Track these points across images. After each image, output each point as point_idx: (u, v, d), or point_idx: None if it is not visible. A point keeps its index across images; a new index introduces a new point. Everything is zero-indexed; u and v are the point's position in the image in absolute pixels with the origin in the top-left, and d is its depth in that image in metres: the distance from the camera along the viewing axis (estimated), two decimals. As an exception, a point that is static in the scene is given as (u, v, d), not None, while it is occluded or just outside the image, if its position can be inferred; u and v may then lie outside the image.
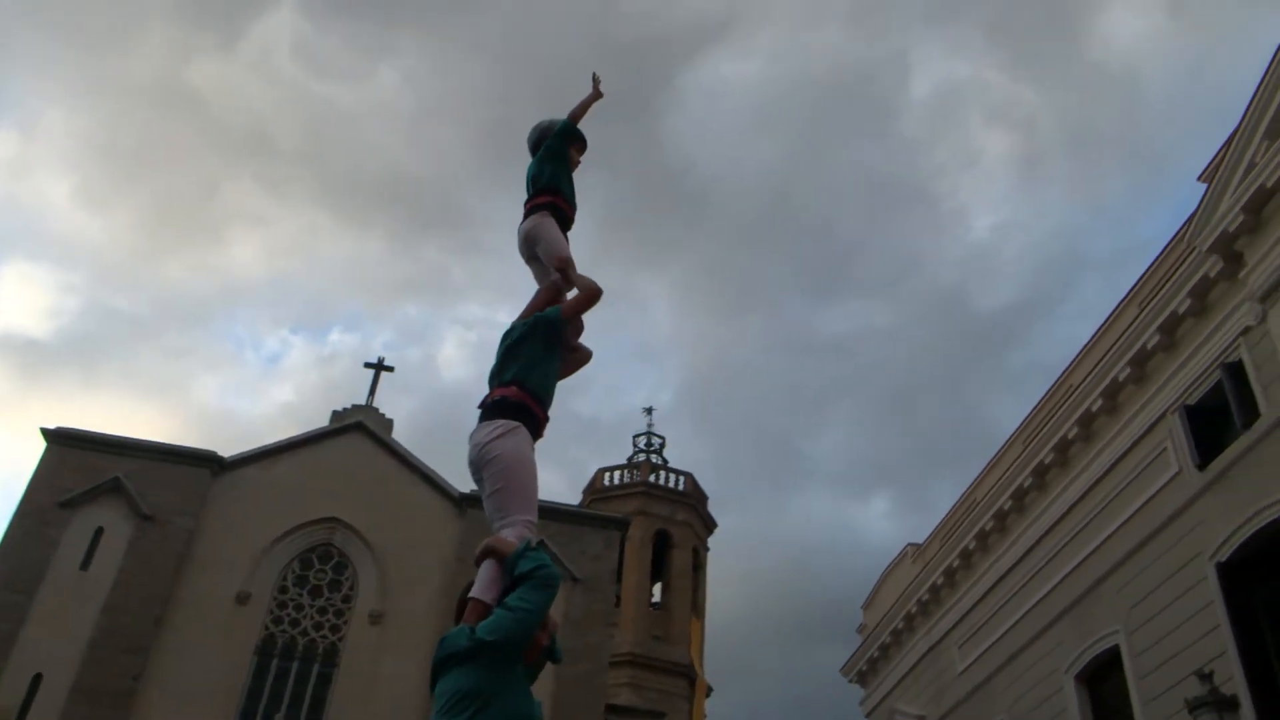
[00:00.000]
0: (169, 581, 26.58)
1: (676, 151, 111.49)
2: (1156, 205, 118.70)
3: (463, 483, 29.25)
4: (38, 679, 24.66)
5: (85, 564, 26.43)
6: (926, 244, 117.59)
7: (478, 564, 3.68)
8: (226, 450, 29.29)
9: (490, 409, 4.23)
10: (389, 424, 31.45)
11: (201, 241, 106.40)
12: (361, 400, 31.68)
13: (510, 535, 3.74)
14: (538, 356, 4.34)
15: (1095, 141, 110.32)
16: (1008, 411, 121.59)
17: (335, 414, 31.25)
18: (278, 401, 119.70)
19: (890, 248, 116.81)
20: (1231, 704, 13.60)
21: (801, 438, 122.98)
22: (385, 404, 42.79)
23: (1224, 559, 15.04)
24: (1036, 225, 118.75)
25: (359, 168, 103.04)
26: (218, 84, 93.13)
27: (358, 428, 30.72)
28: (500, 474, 4.01)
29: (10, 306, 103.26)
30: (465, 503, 28.76)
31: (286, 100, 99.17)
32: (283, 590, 27.94)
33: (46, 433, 28.11)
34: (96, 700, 24.55)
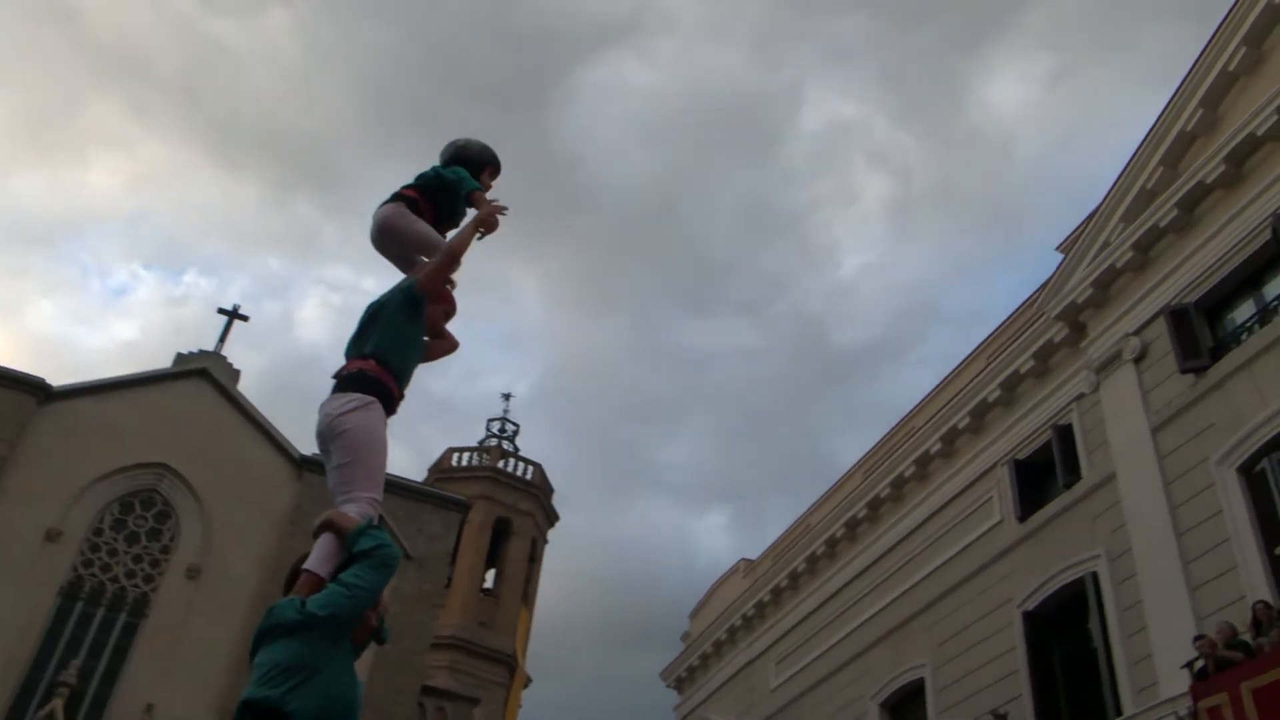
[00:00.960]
0: (-27, 508, 25.01)
1: (565, 145, 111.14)
2: (1010, 270, 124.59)
3: (305, 446, 28.48)
4: None
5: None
6: (796, 273, 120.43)
7: (315, 536, 3.60)
8: (57, 380, 27.75)
9: (346, 381, 4.14)
10: (236, 374, 30.29)
11: (59, 159, 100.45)
12: (210, 347, 30.46)
13: (353, 511, 3.67)
14: (399, 331, 4.26)
15: (963, 200, 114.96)
16: (847, 445, 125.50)
17: (180, 356, 29.93)
18: (120, 338, 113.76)
19: (761, 272, 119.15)
20: (1018, 745, 14.45)
21: (651, 445, 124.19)
22: (235, 356, 41.08)
23: (1031, 608, 15.94)
24: (900, 272, 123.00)
25: (238, 110, 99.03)
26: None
27: (201, 374, 29.48)
28: (349, 448, 3.93)
29: None
30: (305, 466, 27.97)
31: (170, 26, 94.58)
32: (97, 533, 26.58)
33: None
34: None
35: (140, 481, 27.48)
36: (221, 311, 31.40)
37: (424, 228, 4.66)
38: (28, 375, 27.27)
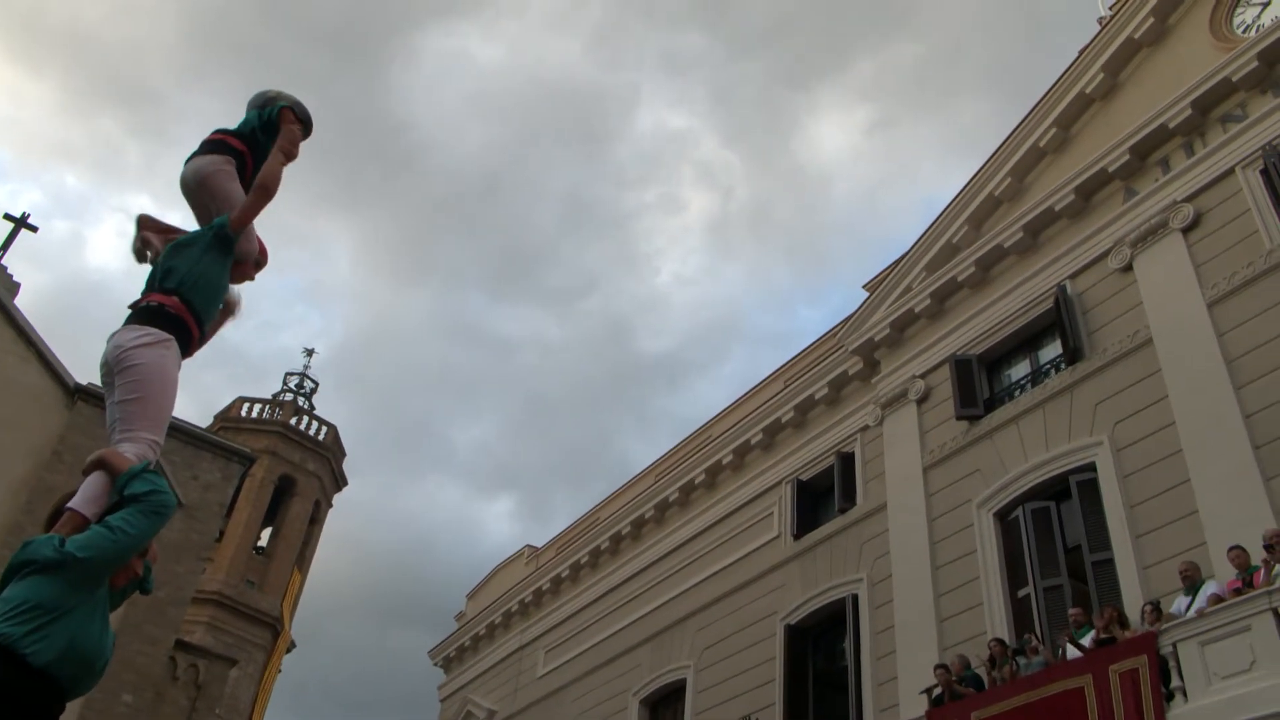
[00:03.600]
0: None
1: (399, 106, 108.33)
2: (813, 301, 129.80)
3: (82, 375, 26.70)
4: None
5: None
6: (611, 274, 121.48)
7: (85, 474, 3.42)
8: None
9: (142, 313, 3.91)
10: (15, 287, 28.06)
11: None
12: (-11, 255, 28.09)
13: (130, 451, 3.48)
14: (205, 271, 4.06)
15: (779, 228, 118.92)
16: (638, 448, 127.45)
17: (-49, 260, 27.54)
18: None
19: (576, 266, 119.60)
20: (764, 750, 15.14)
21: (445, 423, 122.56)
22: (16, 270, 38.02)
23: (793, 622, 16.72)
24: (713, 288, 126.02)
25: (41, 7, 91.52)
26: None
27: (-26, 282, 27.22)
28: (136, 385, 3.70)
29: None
30: (79, 395, 26.23)
31: None
32: None
33: None
34: None
35: (-114, 389, 25.10)
36: (8, 218, 29.03)
37: (235, 190, 4.38)
38: None
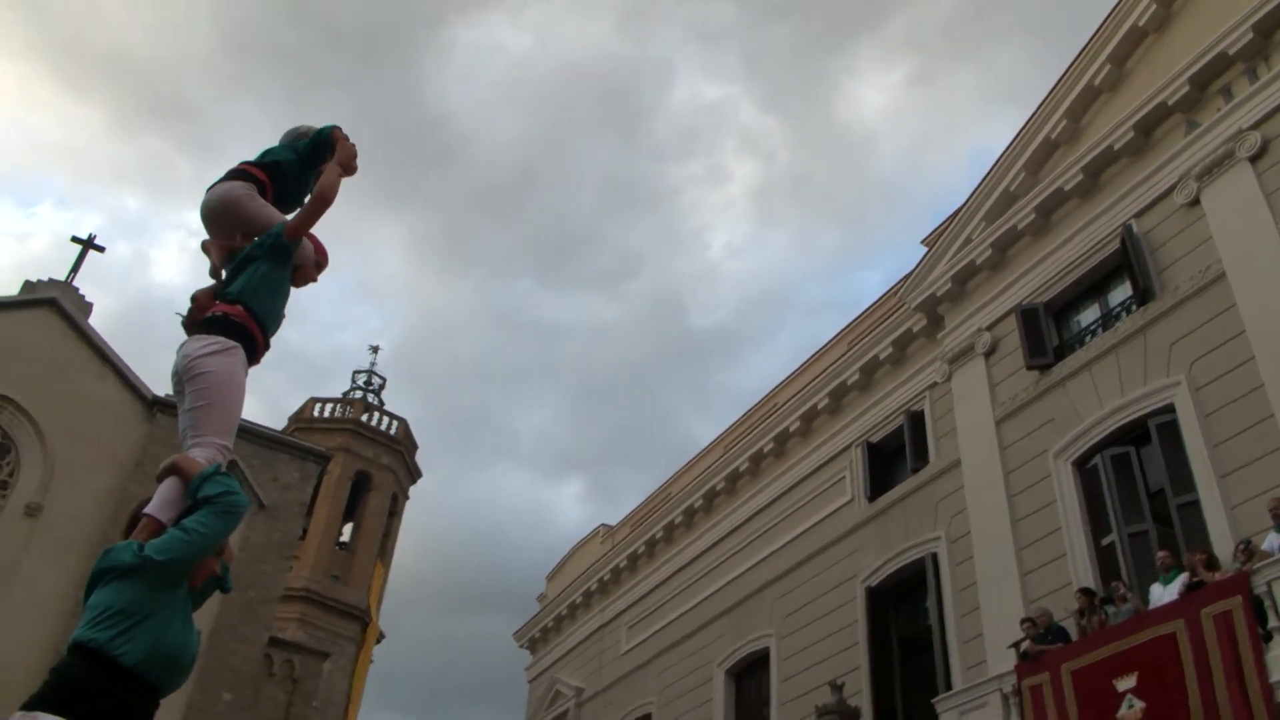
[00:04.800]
0: None
1: (435, 101, 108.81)
2: (865, 264, 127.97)
3: (157, 387, 27.42)
4: None
5: None
6: (657, 251, 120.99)
7: (160, 480, 3.54)
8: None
9: (208, 323, 4.05)
10: (88, 307, 28.88)
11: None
12: (61, 278, 28.91)
13: (200, 456, 3.60)
14: (265, 278, 4.18)
15: (824, 193, 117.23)
16: (699, 424, 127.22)
17: (28, 284, 28.39)
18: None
19: (621, 246, 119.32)
20: (854, 715, 15.07)
21: (506, 412, 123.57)
22: (87, 291, 39.17)
23: (873, 584, 16.63)
24: (762, 259, 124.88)
25: (82, 33, 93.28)
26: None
27: (50, 304, 28.03)
28: (205, 391, 3.84)
29: None
30: (157, 407, 26.95)
31: None
32: (-73, 464, 25.16)
33: None
34: None
35: (-23, 413, 26.05)
36: (75, 240, 29.78)
37: (272, 214, 4.52)
38: None
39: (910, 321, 17.60)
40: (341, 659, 35.28)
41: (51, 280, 28.84)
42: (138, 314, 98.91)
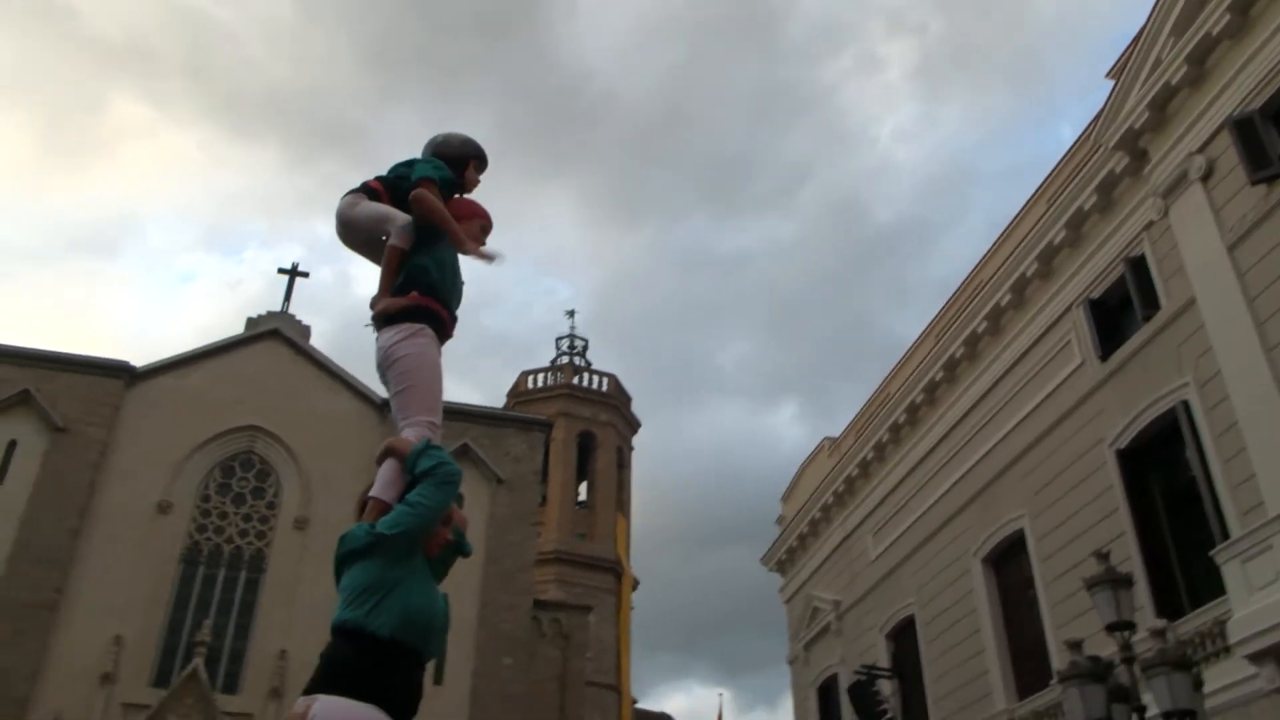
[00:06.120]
0: (85, 492, 26.19)
1: (572, 62, 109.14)
2: (1044, 122, 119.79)
3: (383, 391, 29.07)
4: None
5: None
6: (821, 156, 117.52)
7: (379, 464, 3.75)
8: (139, 363, 28.71)
9: (391, 317, 4.22)
10: (306, 330, 30.94)
11: (88, 162, 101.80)
12: (276, 310, 31.06)
13: (410, 435, 3.80)
14: (423, 257, 4.24)
15: (987, 54, 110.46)
16: (902, 321, 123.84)
17: (250, 320, 30.64)
18: (192, 322, 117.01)
19: (786, 159, 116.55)
20: (1126, 582, 14.36)
21: (704, 349, 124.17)
22: (300, 314, 42.12)
23: (1123, 446, 15.73)
24: (933, 139, 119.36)
25: (244, 83, 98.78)
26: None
27: (274, 335, 30.19)
28: (403, 375, 4.04)
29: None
30: (388, 409, 28.56)
31: (162, 10, 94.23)
32: (205, 499, 27.74)
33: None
34: (18, 614, 24.31)
35: (235, 445, 28.48)
36: (282, 271, 31.95)
37: (378, 206, 4.49)
38: (112, 360, 28.25)
39: (1111, 162, 16.36)
40: (603, 610, 36.74)
41: (270, 313, 31.01)
42: (351, 328, 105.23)
